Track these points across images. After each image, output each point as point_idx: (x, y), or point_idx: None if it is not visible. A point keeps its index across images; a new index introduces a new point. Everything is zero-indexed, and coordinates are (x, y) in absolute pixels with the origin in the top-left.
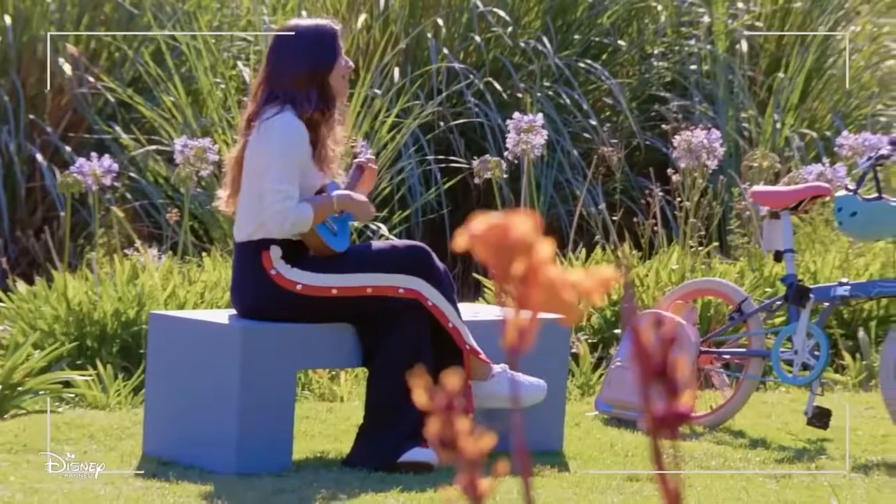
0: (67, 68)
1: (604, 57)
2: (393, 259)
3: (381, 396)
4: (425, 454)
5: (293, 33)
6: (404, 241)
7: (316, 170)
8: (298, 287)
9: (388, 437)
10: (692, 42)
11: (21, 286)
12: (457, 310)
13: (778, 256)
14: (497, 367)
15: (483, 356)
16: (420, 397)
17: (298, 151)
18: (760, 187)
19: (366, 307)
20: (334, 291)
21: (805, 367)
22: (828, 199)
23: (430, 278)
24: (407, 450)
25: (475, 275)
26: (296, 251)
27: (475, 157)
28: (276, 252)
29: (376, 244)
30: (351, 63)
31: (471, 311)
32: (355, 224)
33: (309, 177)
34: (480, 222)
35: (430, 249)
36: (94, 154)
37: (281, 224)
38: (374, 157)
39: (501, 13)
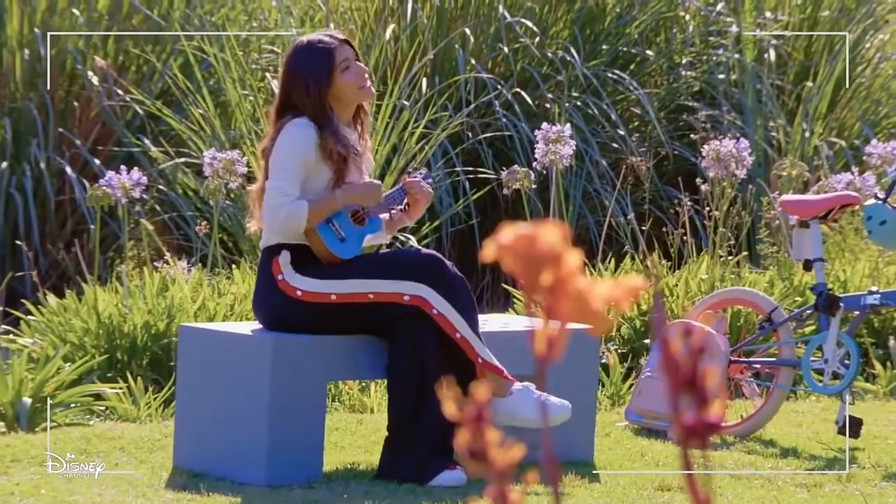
0: (95, 80)
1: (632, 67)
2: (399, 265)
3: (395, 407)
4: (453, 478)
5: (291, 61)
6: (416, 249)
7: (329, 181)
8: (298, 293)
9: (410, 450)
10: (720, 52)
11: (51, 299)
12: (471, 321)
13: (807, 265)
14: (518, 385)
15: (504, 372)
16: (449, 408)
17: (302, 151)
18: (789, 196)
19: (370, 315)
20: (333, 297)
21: (835, 376)
22: (857, 207)
23: (438, 286)
24: (435, 471)
25: (504, 285)
26: (305, 258)
27: (503, 168)
28: (284, 258)
29: (386, 252)
30: (361, 70)
31: (500, 321)
32: (388, 238)
33: (317, 180)
34: (508, 233)
35: (442, 258)
36: (123, 167)
37: (273, 218)
38: (422, 181)
39: (529, 24)
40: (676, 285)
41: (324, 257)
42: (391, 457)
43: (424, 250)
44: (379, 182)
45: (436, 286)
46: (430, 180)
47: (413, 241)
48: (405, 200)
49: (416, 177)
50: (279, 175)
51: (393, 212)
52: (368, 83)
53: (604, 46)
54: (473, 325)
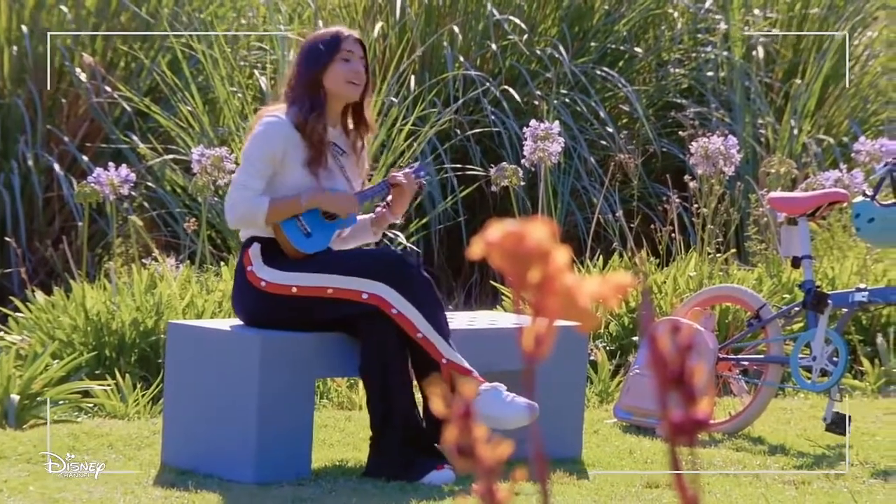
0: (83, 77)
1: (620, 64)
2: (360, 262)
3: (369, 406)
4: (442, 478)
5: (305, 42)
6: (382, 248)
7: (305, 173)
8: (262, 284)
9: (388, 449)
10: (709, 49)
11: (39, 296)
12: (435, 321)
13: (796, 262)
14: (486, 385)
15: (472, 373)
16: (435, 405)
17: (268, 146)
18: (778, 193)
19: (330, 311)
20: (294, 290)
21: (824, 373)
22: (845, 204)
23: (399, 285)
24: (423, 471)
25: (493, 282)
26: (275, 251)
27: (492, 165)
28: (255, 249)
29: (350, 249)
30: (357, 66)
31: (488, 318)
32: (376, 237)
33: (290, 176)
34: (496, 230)
35: (403, 256)
36: (111, 163)
37: (230, 212)
38: (413, 175)
39: (517, 21)
40: (665, 282)
41: (288, 252)
42: (375, 456)
43: (387, 248)
44: (354, 197)
45: (396, 285)
46: (424, 173)
47: (401, 238)
48: (388, 196)
49: (412, 167)
50: (243, 169)
51: (377, 209)
52: (358, 83)
53: (592, 43)
54: (437, 325)
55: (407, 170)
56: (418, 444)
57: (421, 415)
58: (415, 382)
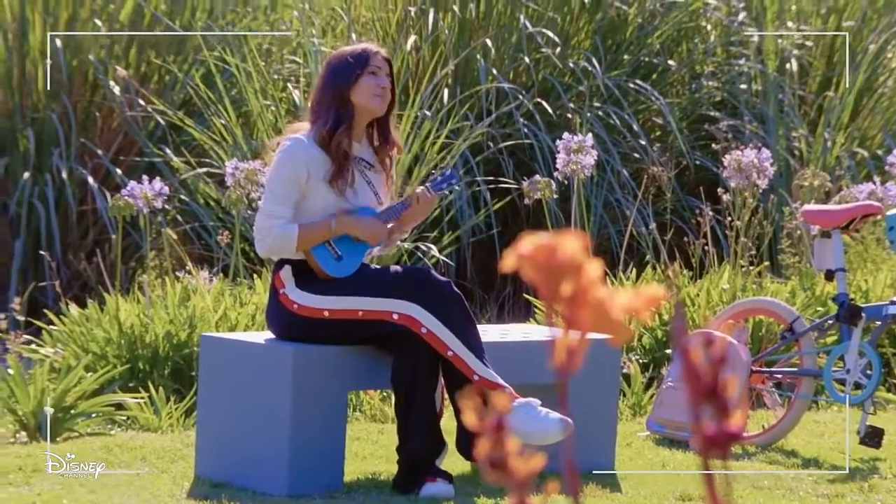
0: (117, 90)
1: (653, 77)
2: (388, 283)
3: (396, 419)
4: (436, 489)
5: (332, 57)
6: (408, 265)
7: (332, 191)
8: (295, 307)
9: (402, 461)
10: (742, 61)
11: (73, 309)
12: (466, 336)
13: (829, 275)
14: (520, 400)
15: (506, 388)
16: (468, 418)
17: (291, 172)
18: (811, 206)
19: (362, 332)
20: (326, 314)
21: (857, 386)
22: (879, 217)
23: (427, 303)
24: (417, 484)
25: (526, 295)
26: (307, 273)
27: (525, 178)
28: (286, 272)
29: (379, 268)
30: (384, 82)
31: (521, 331)
32: (405, 245)
33: (318, 198)
34: (528, 243)
35: (431, 273)
36: (145, 177)
37: (260, 242)
38: (432, 191)
39: (550, 34)
40: (698, 295)
41: (320, 275)
42: (399, 466)
43: (413, 266)
44: (383, 224)
45: (425, 303)
46: (456, 180)
47: (434, 251)
48: (403, 213)
49: (434, 178)
50: (269, 197)
51: (390, 224)
52: (383, 95)
53: (625, 56)
54: (468, 342)
55: (428, 184)
56: (430, 460)
57: (441, 431)
58: (448, 399)
